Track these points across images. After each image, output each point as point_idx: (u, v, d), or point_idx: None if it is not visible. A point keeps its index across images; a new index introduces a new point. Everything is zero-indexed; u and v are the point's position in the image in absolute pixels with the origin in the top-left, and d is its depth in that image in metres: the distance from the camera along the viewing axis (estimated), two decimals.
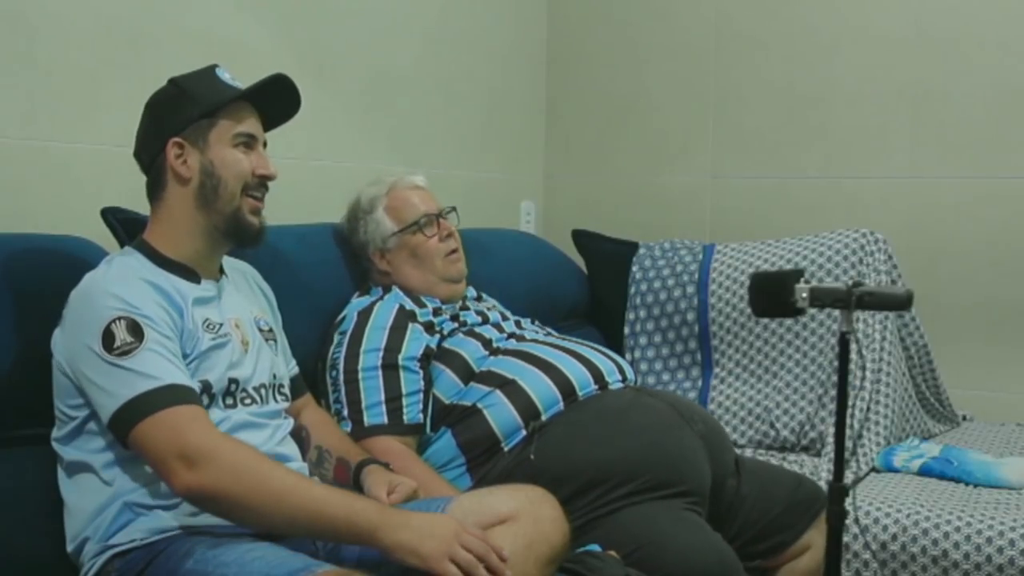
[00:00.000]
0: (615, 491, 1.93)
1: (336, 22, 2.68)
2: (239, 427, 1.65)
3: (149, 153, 1.71)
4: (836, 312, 2.30)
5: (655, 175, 3.46)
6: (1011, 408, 3.00)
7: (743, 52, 3.32)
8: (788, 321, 2.77)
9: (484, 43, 3.27)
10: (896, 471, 2.47)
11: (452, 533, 1.49)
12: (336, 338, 2.13)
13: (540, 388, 2.06)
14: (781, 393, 2.76)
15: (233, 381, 1.66)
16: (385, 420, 2.03)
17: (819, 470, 2.45)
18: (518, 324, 2.33)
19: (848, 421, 2.05)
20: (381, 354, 2.08)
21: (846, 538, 2.07)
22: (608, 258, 3.11)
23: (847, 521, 1.62)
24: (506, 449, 2.03)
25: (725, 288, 2.88)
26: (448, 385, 2.10)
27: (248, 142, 1.72)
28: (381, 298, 2.21)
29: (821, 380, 2.71)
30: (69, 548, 1.60)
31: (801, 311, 1.65)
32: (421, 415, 2.07)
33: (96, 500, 1.57)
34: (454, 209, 2.36)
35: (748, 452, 2.62)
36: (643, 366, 2.93)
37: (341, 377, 2.07)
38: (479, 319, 2.27)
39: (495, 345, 2.17)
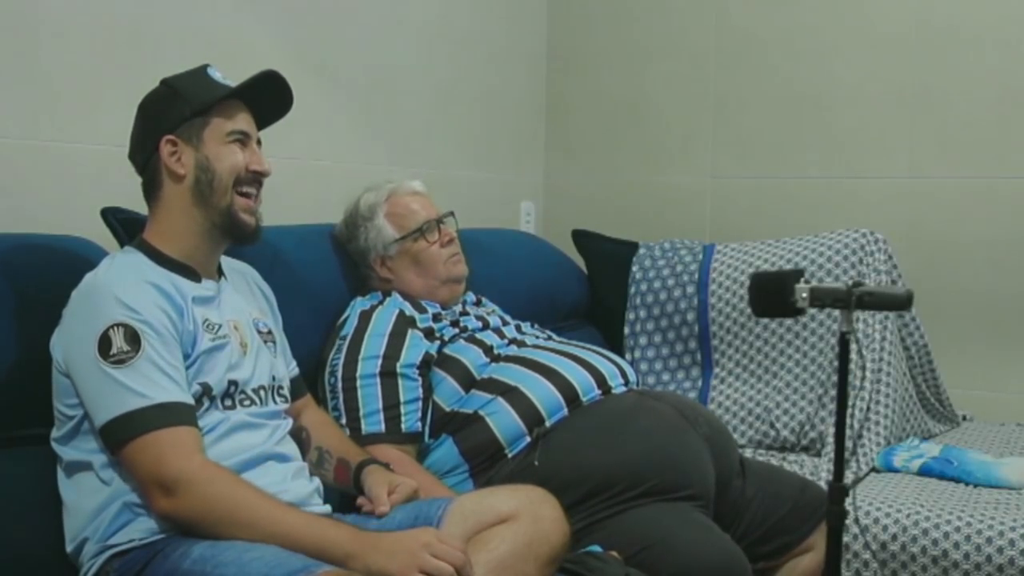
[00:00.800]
0: (621, 496, 1.93)
1: (336, 22, 2.68)
2: (237, 427, 1.65)
3: (143, 153, 1.71)
4: (836, 312, 2.31)
5: (655, 175, 3.46)
6: (1011, 408, 3.00)
7: (743, 52, 3.31)
8: (788, 321, 2.77)
9: (484, 43, 3.27)
10: (896, 471, 2.46)
11: (421, 544, 1.48)
12: (336, 343, 2.11)
13: (544, 394, 2.06)
14: (781, 393, 2.75)
15: (232, 383, 1.66)
16: (383, 428, 2.02)
17: (819, 470, 2.45)
18: (519, 329, 2.32)
19: (848, 421, 2.05)
20: (379, 361, 2.06)
21: (846, 538, 2.07)
22: (608, 258, 3.11)
23: (847, 521, 1.63)
24: (509, 456, 2.03)
25: (725, 288, 2.88)
26: (449, 392, 2.09)
27: (242, 139, 1.72)
28: (381, 303, 2.20)
29: (821, 380, 2.71)
30: (69, 548, 1.60)
31: (801, 311, 1.65)
32: (419, 423, 2.06)
33: (95, 500, 1.57)
34: (452, 214, 2.34)
35: (748, 452, 2.62)
36: (643, 366, 2.93)
37: (339, 384, 2.06)
38: (480, 324, 2.26)
39: (496, 352, 2.16)
